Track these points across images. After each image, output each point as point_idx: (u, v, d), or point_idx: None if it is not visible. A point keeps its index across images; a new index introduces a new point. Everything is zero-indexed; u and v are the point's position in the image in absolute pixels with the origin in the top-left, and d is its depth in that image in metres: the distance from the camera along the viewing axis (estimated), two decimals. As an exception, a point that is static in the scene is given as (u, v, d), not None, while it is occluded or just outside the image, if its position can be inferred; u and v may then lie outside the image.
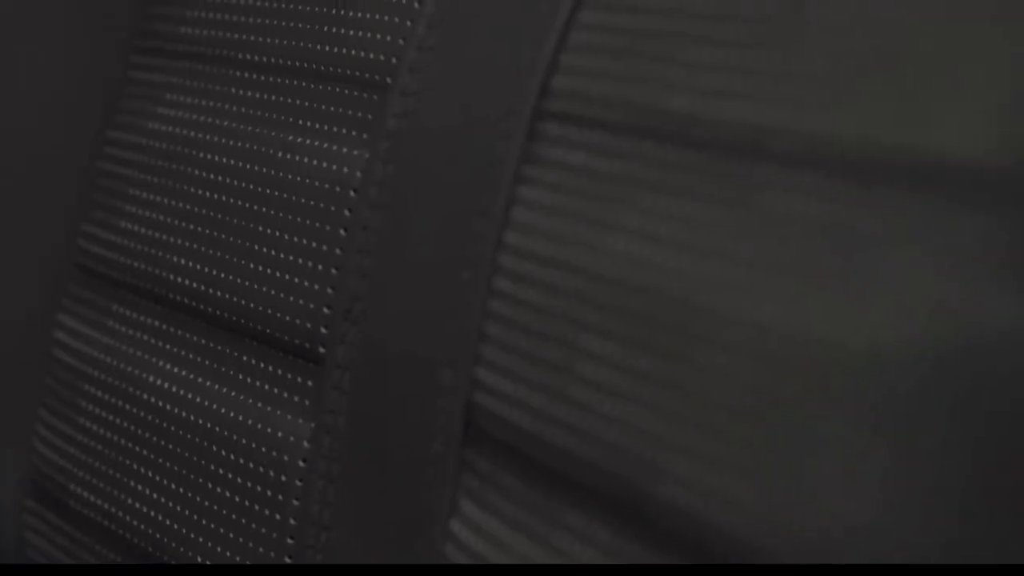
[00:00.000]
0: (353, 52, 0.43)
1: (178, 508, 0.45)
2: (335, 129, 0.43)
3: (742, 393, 0.29)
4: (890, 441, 0.27)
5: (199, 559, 0.44)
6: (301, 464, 0.42)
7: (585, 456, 0.33)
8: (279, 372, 0.43)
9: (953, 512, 0.26)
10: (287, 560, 0.41)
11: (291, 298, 0.42)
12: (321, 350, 0.41)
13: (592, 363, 0.33)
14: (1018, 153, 0.27)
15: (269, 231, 0.43)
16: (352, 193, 0.42)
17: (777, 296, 0.29)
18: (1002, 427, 0.26)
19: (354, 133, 0.42)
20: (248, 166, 0.45)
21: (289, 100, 0.45)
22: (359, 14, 0.43)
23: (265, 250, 0.43)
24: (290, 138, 0.44)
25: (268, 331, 0.43)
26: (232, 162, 0.45)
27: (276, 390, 0.43)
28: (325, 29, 0.44)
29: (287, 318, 0.42)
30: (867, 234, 0.28)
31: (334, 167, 0.42)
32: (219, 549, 0.43)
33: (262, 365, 0.43)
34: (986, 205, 0.27)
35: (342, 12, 0.44)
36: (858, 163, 0.29)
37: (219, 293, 0.45)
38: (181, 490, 0.45)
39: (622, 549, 0.32)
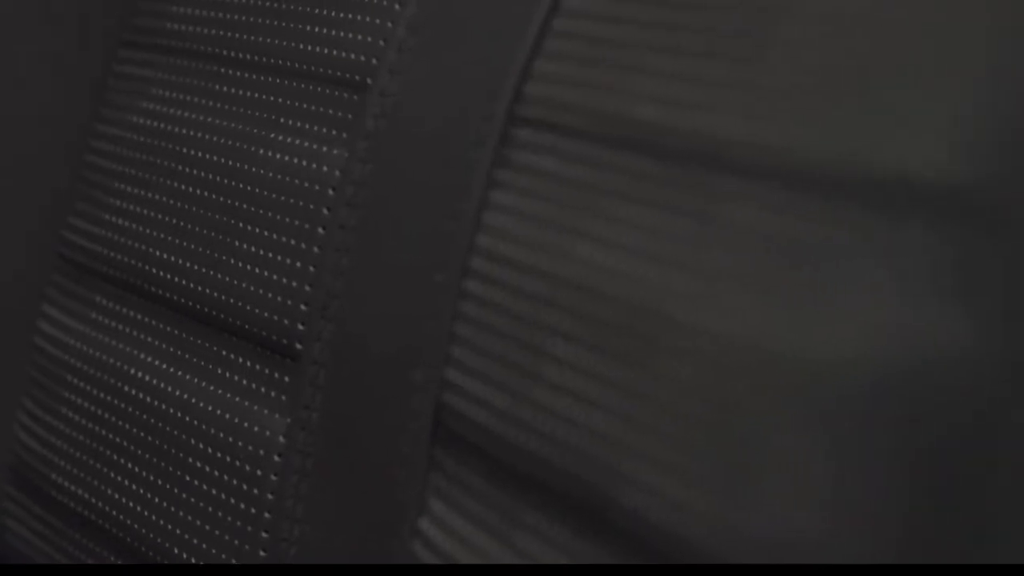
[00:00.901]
0: (335, 52, 0.44)
1: (156, 499, 0.45)
2: (315, 128, 0.43)
3: (699, 401, 0.30)
4: (838, 451, 0.27)
5: (175, 550, 0.44)
6: (276, 459, 0.42)
7: (548, 458, 0.33)
8: (257, 367, 0.43)
9: (897, 521, 0.27)
10: (261, 553, 0.42)
11: (269, 294, 0.43)
12: (298, 346, 0.42)
13: (557, 367, 0.34)
14: (969, 172, 0.27)
15: (249, 227, 0.44)
16: (331, 192, 0.42)
17: (735, 308, 0.30)
18: (943, 440, 0.26)
19: (334, 132, 0.43)
20: (229, 162, 0.45)
21: (271, 98, 0.45)
22: (341, 15, 0.44)
23: (245, 246, 0.44)
24: (271, 135, 0.44)
25: (247, 326, 0.44)
26: (214, 158, 0.46)
27: (254, 385, 0.43)
28: (308, 29, 0.45)
29: (265, 314, 0.43)
30: (822, 247, 0.29)
31: (314, 165, 0.43)
32: (195, 541, 0.44)
33: (240, 360, 0.44)
34: (936, 223, 0.28)
35: (325, 12, 0.44)
36: (815, 177, 0.30)
37: (199, 288, 0.45)
38: (159, 482, 0.45)
39: (582, 550, 0.33)
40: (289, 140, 0.44)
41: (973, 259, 0.27)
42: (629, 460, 0.31)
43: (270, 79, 0.45)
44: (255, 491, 0.42)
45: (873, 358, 0.28)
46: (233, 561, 0.43)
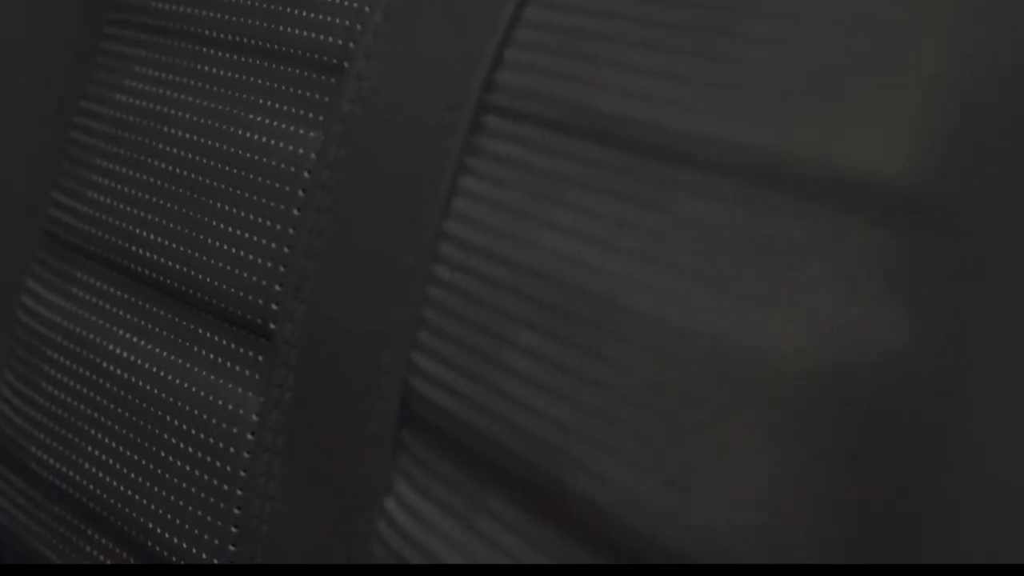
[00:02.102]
0: (313, 35, 0.44)
1: (131, 474, 0.46)
2: (293, 109, 0.44)
3: (651, 391, 0.31)
4: (780, 443, 0.28)
5: (150, 524, 0.45)
6: (249, 436, 0.43)
7: (507, 443, 0.34)
8: (232, 346, 0.44)
9: (834, 515, 0.27)
10: (233, 529, 0.43)
11: (245, 274, 0.43)
12: (272, 326, 0.43)
13: (518, 354, 0.34)
14: (919, 174, 0.28)
15: (226, 207, 0.44)
16: (306, 174, 0.42)
17: (688, 300, 0.30)
18: (880, 436, 0.27)
19: (311, 115, 0.43)
20: (208, 142, 0.46)
21: (250, 79, 0.46)
22: (320, -3, 0.44)
23: (222, 226, 0.44)
24: (249, 116, 0.45)
25: (222, 305, 0.44)
26: (193, 137, 0.46)
27: (228, 363, 0.44)
28: (287, 11, 0.45)
29: (240, 294, 0.44)
30: (775, 243, 0.29)
31: (290, 147, 0.43)
32: (169, 516, 0.44)
33: (216, 338, 0.44)
34: (885, 221, 0.28)
35: (304, -6, 0.45)
36: (772, 173, 0.30)
37: (177, 266, 0.46)
38: (135, 457, 0.46)
39: (539, 535, 0.33)
40: (267, 121, 0.44)
41: (918, 259, 0.28)
42: (583, 447, 0.32)
43: (250, 60, 0.46)
44: (228, 468, 0.43)
45: (818, 353, 0.28)
46: (205, 536, 0.43)
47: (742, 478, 0.29)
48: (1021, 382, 0.27)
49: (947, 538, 0.27)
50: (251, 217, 0.44)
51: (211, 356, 0.44)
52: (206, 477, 0.44)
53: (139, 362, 0.46)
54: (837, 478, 0.27)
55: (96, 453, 0.47)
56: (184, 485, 0.44)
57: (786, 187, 0.30)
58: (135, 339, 0.47)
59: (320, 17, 0.44)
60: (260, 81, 0.45)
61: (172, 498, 0.44)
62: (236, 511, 0.43)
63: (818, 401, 0.28)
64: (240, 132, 0.45)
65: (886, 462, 0.27)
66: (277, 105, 0.44)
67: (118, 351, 0.47)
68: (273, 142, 0.44)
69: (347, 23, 0.43)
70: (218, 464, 0.43)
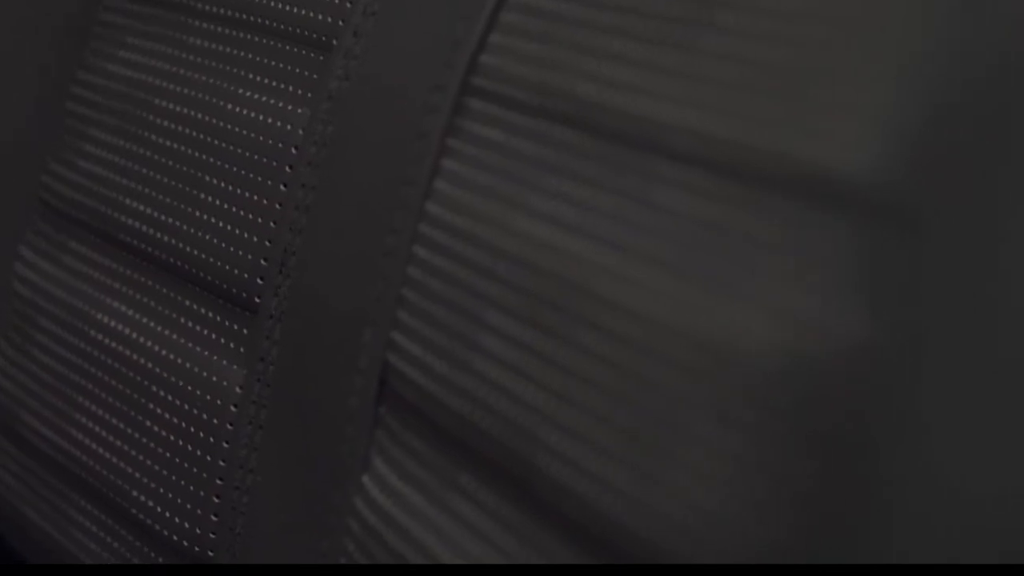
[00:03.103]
0: (303, 11, 0.44)
1: (118, 443, 0.46)
2: (281, 85, 0.44)
3: (617, 377, 0.31)
4: (740, 434, 0.28)
5: (134, 493, 0.46)
6: (233, 409, 0.43)
7: (480, 424, 0.35)
8: (217, 318, 0.44)
9: (793, 504, 0.28)
10: (215, 500, 0.43)
11: (231, 248, 0.44)
12: (257, 300, 0.43)
13: (492, 337, 0.35)
14: (886, 173, 0.28)
15: (214, 181, 0.45)
16: (294, 150, 0.43)
17: (655, 289, 0.31)
18: (839, 429, 0.27)
19: (299, 91, 0.44)
20: (198, 115, 0.46)
21: (240, 53, 0.46)
22: (311, -26, 0.44)
23: (210, 199, 0.45)
24: (239, 91, 0.45)
25: (209, 278, 0.45)
26: (183, 110, 0.47)
27: (214, 335, 0.44)
28: (279, -14, 0.45)
29: (226, 267, 0.44)
30: (743, 236, 0.30)
31: (278, 123, 0.44)
32: (153, 485, 0.45)
33: (202, 310, 0.45)
34: (849, 219, 0.28)
35: (296, -30, 0.45)
36: (740, 166, 0.30)
37: (166, 238, 0.46)
38: (122, 426, 0.46)
39: (508, 516, 0.34)
40: (256, 96, 0.45)
41: (880, 256, 0.28)
42: (553, 432, 0.32)
43: (241, 34, 0.46)
44: (211, 439, 0.43)
45: (778, 346, 0.28)
46: (188, 506, 0.44)
47: (704, 467, 0.29)
48: (973, 383, 0.27)
49: (895, 531, 0.27)
50: (238, 191, 0.44)
51: (197, 328, 0.45)
52: (189, 447, 0.44)
53: (127, 332, 0.47)
54: (796, 468, 0.28)
55: (84, 421, 0.48)
56: (168, 455, 0.45)
57: (752, 180, 0.30)
58: (123, 309, 0.47)
59: (311, -6, 0.44)
60: (251, 56, 0.46)
61: (156, 467, 0.45)
62: (218, 481, 0.43)
63: (778, 393, 0.28)
64: (229, 106, 0.45)
65: (845, 454, 0.27)
66: (267, 80, 0.45)
67: (107, 320, 0.48)
68: (261, 117, 0.44)
69: (337, 0, 0.43)
70: (201, 435, 0.44)
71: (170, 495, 0.44)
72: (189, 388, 0.44)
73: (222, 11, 0.47)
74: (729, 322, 0.29)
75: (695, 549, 0.29)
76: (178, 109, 0.47)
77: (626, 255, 0.32)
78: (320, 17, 0.44)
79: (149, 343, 0.46)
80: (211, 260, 0.45)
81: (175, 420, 0.45)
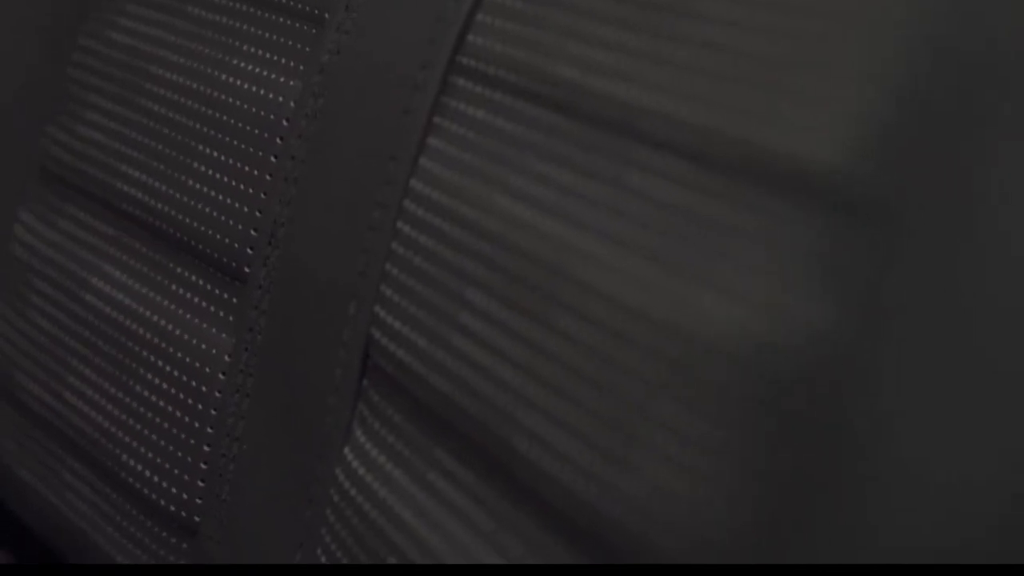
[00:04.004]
0: (298, -16, 0.45)
1: (109, 407, 0.47)
2: (274, 57, 0.44)
3: (589, 360, 0.31)
4: (709, 423, 0.29)
5: (124, 457, 0.46)
6: (221, 376, 0.44)
7: (458, 401, 0.35)
8: (208, 287, 0.45)
9: (759, 490, 0.28)
10: (202, 466, 0.44)
11: (222, 217, 0.44)
12: (246, 270, 0.44)
13: (472, 315, 0.35)
14: (857, 164, 0.28)
15: (207, 150, 0.45)
16: (285, 122, 0.43)
17: (629, 274, 0.31)
18: (807, 419, 0.28)
19: (291, 63, 0.44)
20: (193, 84, 0.46)
21: (236, 24, 0.46)
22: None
23: (202, 168, 0.45)
24: (233, 61, 0.45)
25: (200, 247, 0.45)
26: (180, 79, 0.47)
27: (204, 303, 0.45)
28: (275, -42, 0.46)
29: (218, 236, 0.44)
30: (717, 225, 0.30)
31: (270, 95, 0.44)
32: (142, 450, 0.46)
33: (193, 278, 0.45)
34: (819, 209, 0.29)
35: (291, -58, 0.45)
36: (713, 154, 0.31)
37: (160, 206, 0.47)
38: (113, 391, 0.47)
39: (484, 494, 0.34)
40: (249, 68, 0.45)
41: (848, 246, 0.28)
42: (529, 413, 0.33)
43: (236, 4, 0.46)
44: (199, 406, 0.44)
45: (747, 334, 0.29)
46: (176, 471, 0.44)
47: (673, 453, 0.29)
48: (940, 373, 0.27)
49: (862, 517, 0.28)
50: (230, 161, 0.44)
51: (189, 296, 0.45)
52: (178, 414, 0.45)
53: (119, 297, 0.48)
54: (764, 455, 0.28)
55: (77, 384, 0.48)
56: (157, 420, 0.45)
57: (726, 168, 0.30)
58: (119, 275, 0.48)
59: (306, -34, 0.45)
60: (246, 27, 0.46)
61: (146, 432, 0.46)
62: (206, 448, 0.44)
63: (747, 381, 0.28)
64: (224, 77, 0.46)
65: (812, 441, 0.28)
66: (260, 52, 0.45)
67: (102, 286, 0.48)
68: (254, 89, 0.44)
69: (331, -26, 0.44)
70: (190, 402, 0.44)
71: (159, 460, 0.45)
72: (179, 355, 0.45)
73: (219, -19, 0.47)
74: (699, 309, 0.30)
75: (663, 533, 0.29)
76: (175, 78, 0.47)
77: (601, 239, 0.32)
78: (314, -10, 0.44)
79: (141, 309, 0.47)
80: (203, 229, 0.45)
81: (165, 386, 0.45)
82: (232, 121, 0.45)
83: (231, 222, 0.44)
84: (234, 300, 0.44)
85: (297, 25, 0.44)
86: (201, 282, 0.45)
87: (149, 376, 0.46)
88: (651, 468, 0.30)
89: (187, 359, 0.45)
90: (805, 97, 0.30)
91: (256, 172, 0.44)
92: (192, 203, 0.45)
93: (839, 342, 0.28)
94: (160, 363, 0.46)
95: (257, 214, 0.43)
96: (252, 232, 0.43)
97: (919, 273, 0.28)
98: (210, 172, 0.45)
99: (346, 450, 0.39)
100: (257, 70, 0.45)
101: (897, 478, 0.27)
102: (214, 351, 0.44)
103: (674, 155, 0.32)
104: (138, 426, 0.46)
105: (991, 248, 0.27)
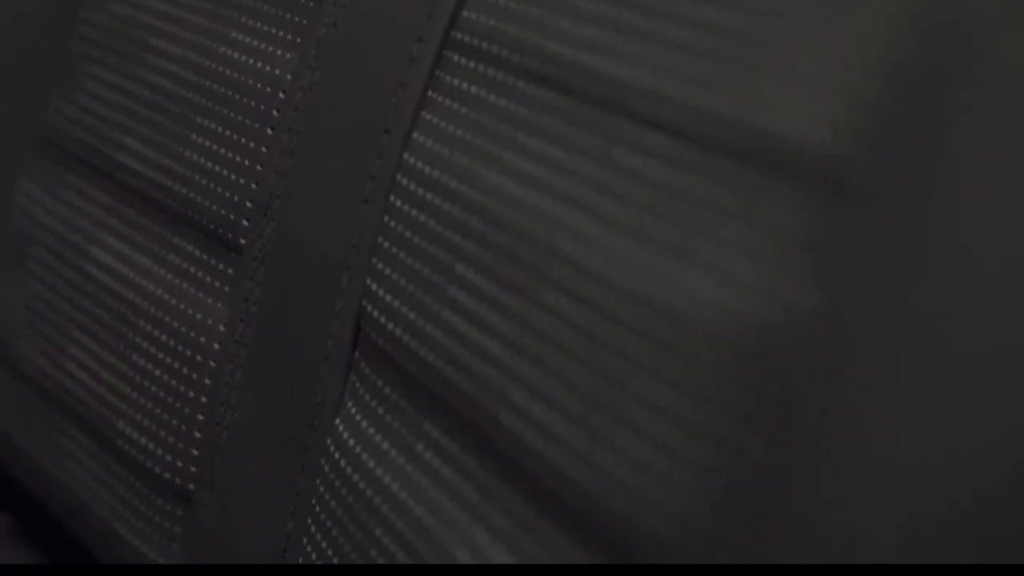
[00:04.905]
0: (296, -43, 0.45)
1: (106, 375, 0.47)
2: (272, 30, 0.45)
3: (574, 336, 0.32)
4: (690, 401, 0.29)
5: (120, 424, 0.47)
6: (216, 347, 0.44)
7: (447, 375, 0.35)
8: (204, 258, 0.45)
9: (735, 466, 0.28)
10: (197, 434, 0.44)
11: (219, 189, 0.45)
12: (242, 241, 0.44)
13: (462, 290, 0.35)
14: (843, 146, 0.29)
15: (206, 122, 0.46)
16: (281, 95, 0.43)
17: (616, 251, 0.31)
18: (786, 399, 0.28)
19: (289, 36, 0.44)
20: (192, 56, 0.47)
21: (235, -4, 0.46)
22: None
23: (201, 140, 0.46)
24: (232, 34, 0.46)
25: (197, 218, 0.45)
26: (179, 51, 0.47)
27: (200, 274, 0.45)
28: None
29: (214, 207, 0.45)
30: (704, 203, 0.30)
31: (267, 68, 0.44)
32: (138, 417, 0.46)
33: (190, 249, 0.46)
34: (804, 189, 0.29)
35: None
36: (702, 133, 0.31)
37: (158, 176, 0.47)
38: (110, 359, 0.47)
39: (472, 467, 0.35)
40: (248, 40, 0.45)
41: (832, 226, 0.28)
42: (511, 385, 0.33)
43: (237, -23, 0.47)
44: (194, 376, 0.44)
45: (729, 313, 0.29)
46: (170, 439, 0.45)
47: (654, 431, 0.30)
48: (913, 353, 0.28)
49: (835, 495, 0.28)
50: (228, 133, 0.45)
51: (185, 266, 0.46)
52: (174, 383, 0.45)
53: (117, 266, 0.48)
54: (743, 435, 0.28)
55: (74, 352, 0.49)
56: (154, 389, 0.46)
57: (715, 148, 0.30)
58: (117, 245, 0.48)
59: (305, -61, 0.45)
60: (244, 0, 0.46)
61: (142, 401, 0.46)
62: (200, 417, 0.44)
63: (728, 361, 0.29)
64: (223, 49, 0.46)
65: (790, 421, 0.28)
66: (259, 25, 0.45)
67: (101, 256, 0.49)
68: (252, 61, 0.45)
69: (329, -53, 0.44)
70: (185, 371, 0.45)
71: (154, 428, 0.46)
72: (175, 325, 0.45)
73: (218, -47, 0.47)
74: (683, 288, 0.30)
75: (645, 510, 0.30)
76: (174, 50, 0.47)
77: (588, 216, 0.32)
78: (312, -37, 0.44)
79: (139, 279, 0.47)
80: (200, 200, 0.45)
81: (161, 356, 0.46)
82: (230, 93, 0.45)
83: (228, 194, 0.44)
84: (230, 271, 0.44)
85: (295, -2, 0.44)
86: (198, 253, 0.46)
87: (146, 346, 0.46)
88: (634, 446, 0.30)
89: (183, 329, 0.45)
90: (796, 79, 0.30)
91: (253, 144, 0.44)
92: (189, 174, 0.46)
93: (820, 322, 0.28)
94: (157, 333, 0.46)
95: (253, 186, 0.44)
96: (248, 204, 0.44)
97: (895, 253, 0.28)
98: (208, 144, 0.45)
99: (337, 421, 0.39)
100: (255, 43, 0.45)
101: (870, 456, 0.28)
102: (209, 321, 0.44)
103: (664, 134, 0.32)
104: (134, 395, 0.46)
105: (971, 231, 0.28)
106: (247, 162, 0.44)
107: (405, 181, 0.38)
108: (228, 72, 0.45)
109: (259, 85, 0.44)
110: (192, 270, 0.46)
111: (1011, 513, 0.26)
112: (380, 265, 0.38)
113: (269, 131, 0.43)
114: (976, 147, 0.28)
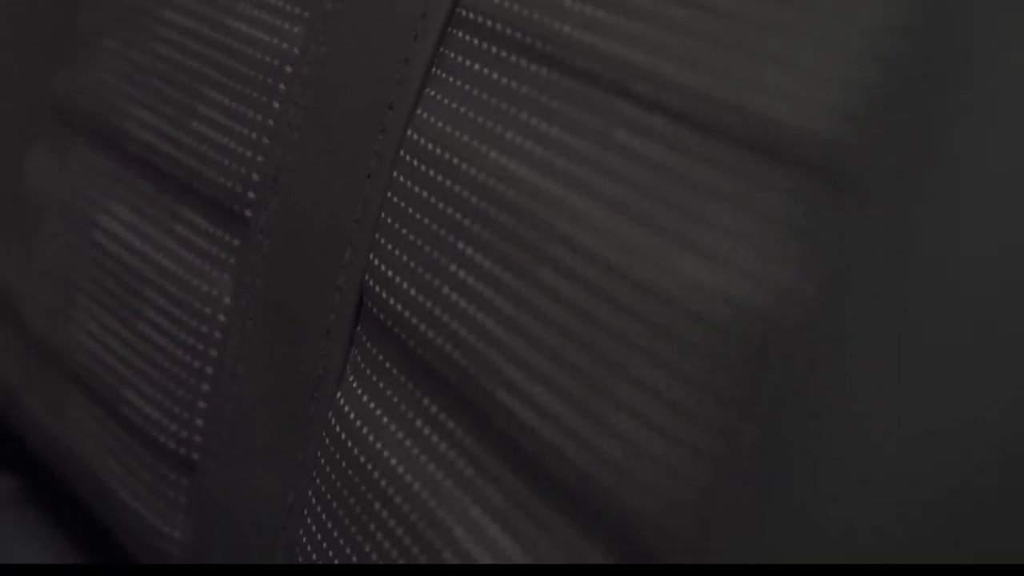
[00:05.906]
0: (304, -70, 0.45)
1: (112, 343, 0.48)
2: (279, 3, 0.45)
3: (571, 315, 0.32)
4: (684, 385, 0.29)
5: (125, 393, 0.47)
6: (222, 318, 0.44)
7: (445, 350, 0.36)
8: (211, 229, 0.46)
9: (729, 450, 0.29)
10: (201, 404, 0.45)
11: (226, 161, 0.45)
12: (248, 214, 0.44)
13: (462, 267, 0.36)
14: (837, 133, 0.29)
15: (213, 94, 0.46)
16: (288, 68, 0.44)
17: (612, 232, 0.32)
18: (778, 382, 0.28)
19: (296, 10, 0.44)
20: (199, 28, 0.47)
21: (244, -31, 0.47)
22: None
23: (208, 112, 0.46)
24: (239, 7, 0.46)
25: (204, 190, 0.46)
26: (187, 22, 0.47)
27: (206, 245, 0.46)
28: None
29: (221, 179, 0.45)
30: (701, 187, 0.30)
31: (275, 41, 0.44)
32: (144, 386, 0.46)
33: (197, 220, 0.46)
34: (803, 176, 0.29)
35: None
36: (702, 116, 0.31)
37: (166, 148, 0.47)
38: (117, 327, 0.48)
39: (467, 443, 0.35)
40: (255, 13, 0.45)
41: (829, 219, 0.29)
42: (508, 363, 0.33)
43: (246, -51, 0.47)
44: (200, 347, 0.45)
45: (723, 297, 0.29)
46: (176, 409, 0.45)
47: (649, 413, 0.30)
48: (908, 344, 0.28)
49: (827, 476, 0.28)
50: (235, 106, 0.45)
51: (191, 238, 0.46)
52: (179, 353, 0.45)
53: (125, 236, 0.48)
54: (735, 418, 0.29)
55: (82, 320, 0.49)
56: (159, 359, 0.46)
57: (713, 131, 0.31)
58: (124, 214, 0.49)
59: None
60: (253, -29, 0.46)
61: (147, 369, 0.46)
62: (205, 388, 0.45)
63: (722, 345, 0.29)
64: (230, 22, 0.46)
65: (782, 404, 0.28)
66: (267, -3, 0.45)
67: (108, 224, 0.49)
68: (260, 34, 0.45)
69: (337, -79, 0.44)
70: (191, 342, 0.45)
71: (160, 398, 0.46)
72: (181, 295, 0.46)
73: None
74: (679, 272, 0.30)
75: (637, 492, 0.30)
76: (182, 21, 0.48)
77: (588, 197, 0.33)
78: (320, -63, 0.44)
79: (145, 248, 0.47)
80: (206, 172, 0.46)
81: (167, 325, 0.46)
82: (237, 66, 0.45)
83: (234, 166, 0.45)
84: (236, 243, 0.45)
85: (303, -29, 0.45)
86: (204, 224, 0.46)
87: (152, 315, 0.47)
88: (628, 428, 0.30)
89: (189, 300, 0.45)
90: (797, 66, 0.30)
91: (259, 117, 0.44)
92: (196, 146, 0.46)
93: (818, 311, 0.28)
94: (163, 302, 0.46)
95: (259, 159, 0.44)
96: (254, 176, 0.44)
97: (897, 243, 0.28)
98: (215, 116, 0.45)
99: (338, 394, 0.40)
100: (263, 16, 0.45)
101: (864, 442, 0.28)
102: (215, 293, 0.45)
103: (665, 117, 0.32)
104: (140, 364, 0.47)
105: (967, 217, 0.28)
106: (253, 135, 0.44)
107: (408, 157, 0.38)
108: (236, 44, 0.45)
109: (267, 58, 0.44)
110: (198, 241, 0.46)
111: (1002, 498, 0.27)
112: (383, 240, 0.39)
113: (276, 105, 0.44)
114: (974, 133, 0.28)
